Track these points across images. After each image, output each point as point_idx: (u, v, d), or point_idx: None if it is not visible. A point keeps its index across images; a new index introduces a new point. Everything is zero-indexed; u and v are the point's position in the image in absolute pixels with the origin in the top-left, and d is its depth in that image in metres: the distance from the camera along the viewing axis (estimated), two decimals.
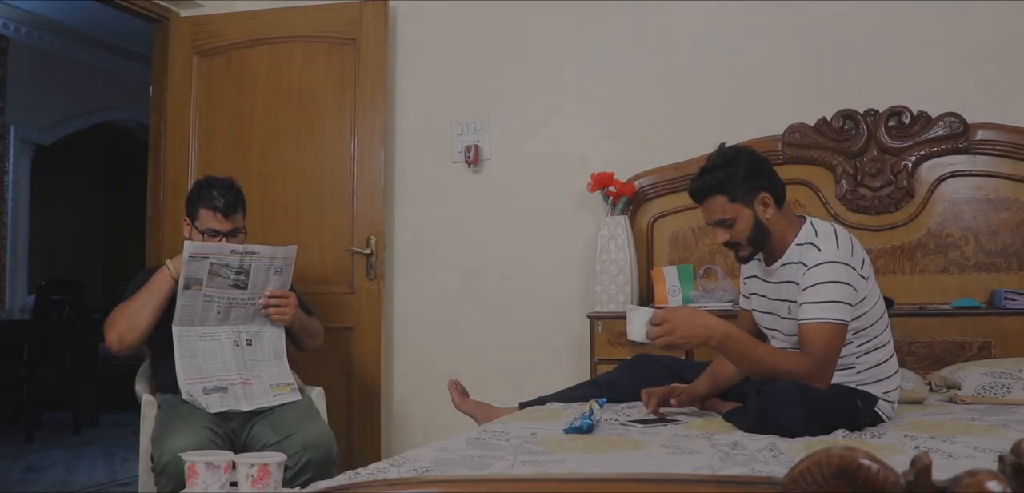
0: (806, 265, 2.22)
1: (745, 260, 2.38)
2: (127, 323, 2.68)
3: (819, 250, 2.21)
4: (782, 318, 2.35)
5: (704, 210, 2.34)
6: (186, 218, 2.86)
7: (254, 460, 2.00)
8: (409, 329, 3.88)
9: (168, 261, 2.72)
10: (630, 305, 3.23)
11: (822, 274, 2.18)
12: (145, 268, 3.04)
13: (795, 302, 2.26)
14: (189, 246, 2.60)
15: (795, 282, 2.25)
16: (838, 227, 2.31)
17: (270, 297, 2.76)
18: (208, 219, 2.77)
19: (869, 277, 2.28)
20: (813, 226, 2.30)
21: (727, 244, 2.33)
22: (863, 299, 2.24)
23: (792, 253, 2.28)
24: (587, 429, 2.08)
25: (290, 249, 2.79)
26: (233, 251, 2.65)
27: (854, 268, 2.21)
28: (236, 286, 2.67)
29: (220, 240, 2.76)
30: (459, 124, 3.83)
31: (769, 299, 2.38)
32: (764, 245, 2.33)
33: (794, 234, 2.30)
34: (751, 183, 2.26)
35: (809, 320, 2.17)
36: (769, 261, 2.36)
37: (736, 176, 2.26)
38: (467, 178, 3.83)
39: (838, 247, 2.22)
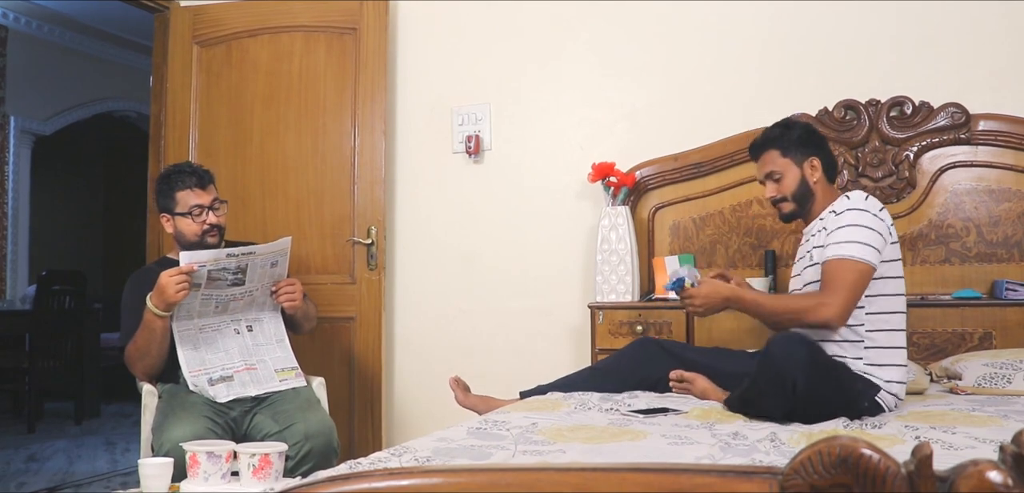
0: (836, 213, 2.36)
1: (787, 218, 2.56)
2: (143, 364, 2.70)
3: (849, 199, 2.36)
4: (797, 276, 2.52)
5: (759, 166, 2.58)
6: (164, 215, 2.84)
7: (255, 450, 2.00)
8: (410, 319, 3.87)
9: (148, 299, 2.58)
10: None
11: (848, 218, 2.32)
12: (136, 272, 2.97)
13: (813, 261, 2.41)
14: (185, 257, 2.56)
15: (824, 230, 2.38)
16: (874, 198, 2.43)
17: (279, 286, 2.77)
18: (189, 197, 2.78)
19: (896, 245, 2.38)
20: (849, 195, 2.42)
21: (773, 200, 2.55)
22: (884, 264, 2.32)
23: (824, 216, 2.44)
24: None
25: (284, 241, 2.78)
26: (229, 255, 2.62)
27: (883, 221, 2.33)
28: (234, 284, 2.67)
29: (206, 214, 2.78)
30: (460, 114, 3.82)
31: (797, 260, 2.56)
32: (807, 206, 2.50)
33: (831, 204, 2.45)
34: (804, 146, 2.49)
35: (829, 258, 2.30)
36: (806, 223, 2.54)
37: (791, 135, 2.50)
38: (468, 168, 3.82)
39: (867, 200, 2.36)
